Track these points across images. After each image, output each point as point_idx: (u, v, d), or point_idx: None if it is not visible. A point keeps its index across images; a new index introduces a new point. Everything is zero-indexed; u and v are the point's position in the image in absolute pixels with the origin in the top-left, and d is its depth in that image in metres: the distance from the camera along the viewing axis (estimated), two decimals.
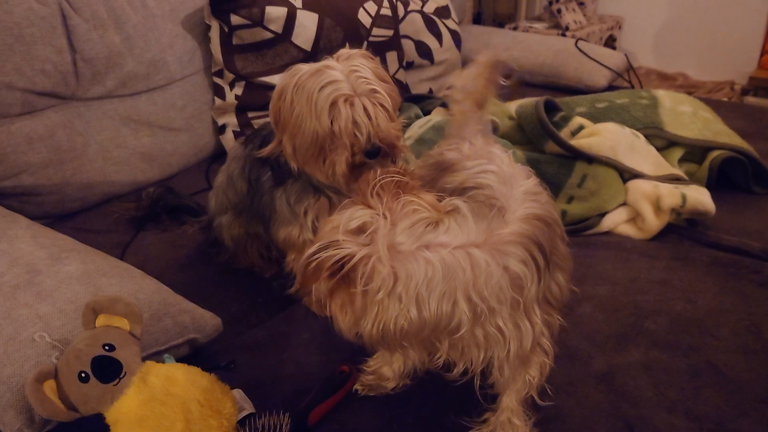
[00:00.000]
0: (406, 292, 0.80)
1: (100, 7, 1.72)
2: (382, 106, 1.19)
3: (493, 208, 0.90)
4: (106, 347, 0.95)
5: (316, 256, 0.81)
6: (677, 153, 1.85)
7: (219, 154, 2.08)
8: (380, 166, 1.04)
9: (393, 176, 0.88)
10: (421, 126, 1.91)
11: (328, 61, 1.19)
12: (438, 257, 0.80)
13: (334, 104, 1.15)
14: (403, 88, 2.40)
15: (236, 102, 2.02)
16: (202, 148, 2.06)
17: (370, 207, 0.85)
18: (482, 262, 0.81)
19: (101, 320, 0.99)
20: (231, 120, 2.04)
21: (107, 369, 0.94)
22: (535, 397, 1.03)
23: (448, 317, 0.82)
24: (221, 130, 2.06)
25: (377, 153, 1.18)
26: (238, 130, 2.03)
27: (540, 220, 0.89)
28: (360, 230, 0.83)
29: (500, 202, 0.91)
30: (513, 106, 2.06)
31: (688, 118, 1.92)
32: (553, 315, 0.94)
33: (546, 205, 0.94)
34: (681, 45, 3.84)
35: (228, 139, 2.05)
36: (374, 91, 1.18)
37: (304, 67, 1.18)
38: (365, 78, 1.17)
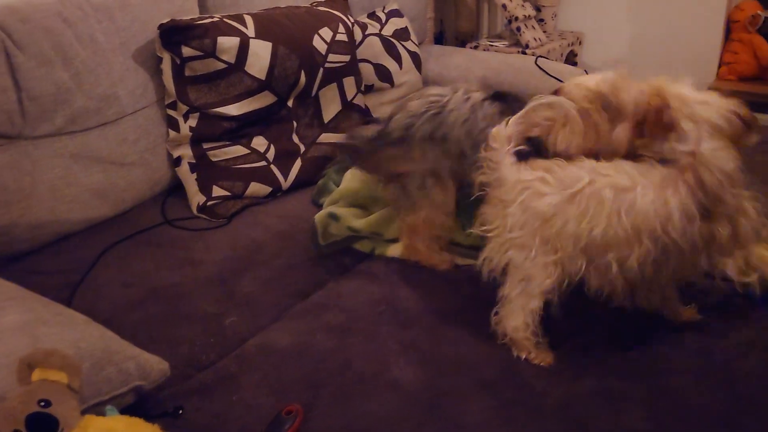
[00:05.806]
0: None
1: (46, 44, 1.69)
2: None
3: None
4: (42, 403, 0.93)
5: None
6: None
7: (175, 187, 2.05)
8: None
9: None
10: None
11: None
12: None
13: None
14: (362, 112, 2.40)
15: (191, 134, 1.99)
16: (158, 181, 2.02)
17: None
18: None
19: (37, 374, 0.97)
20: (186, 152, 2.01)
21: (43, 426, 0.91)
22: None
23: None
24: (177, 162, 2.04)
25: None
26: (194, 161, 2.01)
27: None
28: None
29: None
30: None
31: None
32: None
33: None
34: (641, 58, 3.88)
35: (183, 171, 2.02)
36: None
37: None
38: None
